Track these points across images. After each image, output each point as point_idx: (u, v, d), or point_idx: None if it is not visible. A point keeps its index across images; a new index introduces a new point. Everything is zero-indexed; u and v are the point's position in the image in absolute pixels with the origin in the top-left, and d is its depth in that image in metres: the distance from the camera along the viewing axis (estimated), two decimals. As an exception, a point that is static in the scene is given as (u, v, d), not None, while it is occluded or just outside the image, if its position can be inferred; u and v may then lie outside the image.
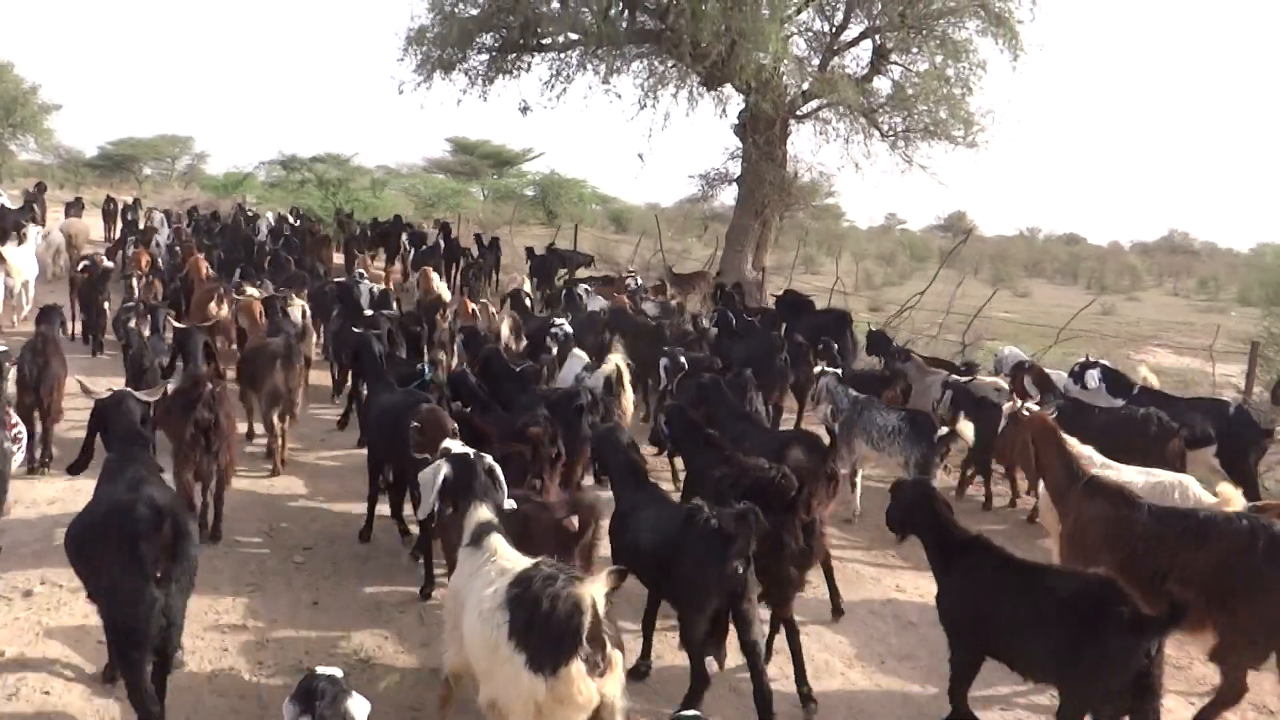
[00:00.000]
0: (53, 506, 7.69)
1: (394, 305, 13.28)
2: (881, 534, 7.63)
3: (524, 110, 19.89)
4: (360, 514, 7.67)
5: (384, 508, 7.61)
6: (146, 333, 10.30)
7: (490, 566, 4.19)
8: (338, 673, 3.21)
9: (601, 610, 3.64)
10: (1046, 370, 10.70)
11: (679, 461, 8.70)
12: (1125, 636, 4.31)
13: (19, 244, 15.61)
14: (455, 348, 11.35)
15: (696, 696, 4.95)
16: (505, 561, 4.21)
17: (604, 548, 7.10)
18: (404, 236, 21.90)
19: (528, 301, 14.99)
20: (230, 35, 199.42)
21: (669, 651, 5.77)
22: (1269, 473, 9.86)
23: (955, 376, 10.42)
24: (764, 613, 5.46)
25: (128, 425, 5.40)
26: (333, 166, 33.03)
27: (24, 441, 6.91)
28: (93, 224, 25.22)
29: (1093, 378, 10.27)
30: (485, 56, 19.84)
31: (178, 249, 18.26)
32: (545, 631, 3.63)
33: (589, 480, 7.81)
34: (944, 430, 8.18)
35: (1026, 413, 6.69)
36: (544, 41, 19.26)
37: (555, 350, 10.81)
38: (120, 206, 26.49)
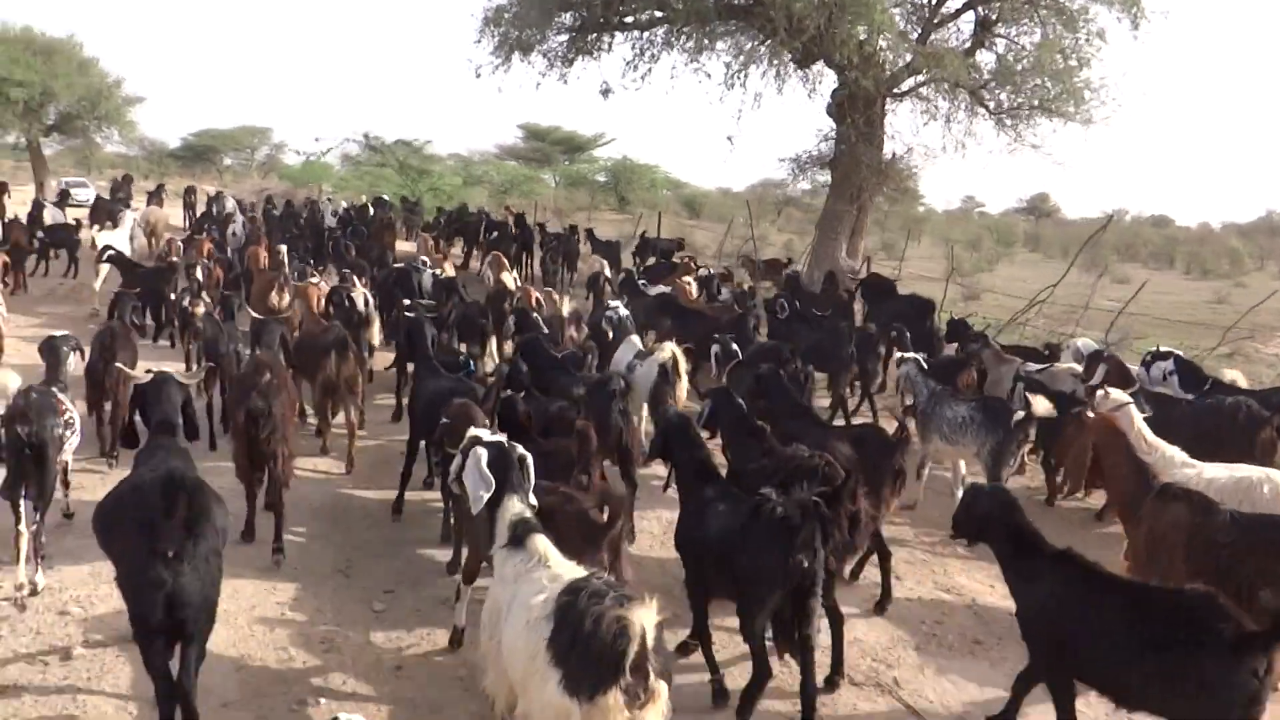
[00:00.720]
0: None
1: (461, 293, 13.32)
2: (932, 524, 7.39)
3: (605, 93, 19.21)
4: (414, 503, 7.73)
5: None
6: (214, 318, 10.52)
7: (541, 572, 3.98)
8: (358, 718, 3.20)
9: (650, 638, 3.41)
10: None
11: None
12: (1228, 657, 3.99)
13: (114, 228, 16.99)
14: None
15: (757, 688, 4.86)
16: (558, 567, 4.00)
17: (647, 544, 7.44)
18: (483, 225, 21.81)
19: (608, 288, 14.98)
20: (305, 26, 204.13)
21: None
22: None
23: (1031, 365, 10.04)
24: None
25: (165, 409, 5.46)
26: (411, 153, 33.44)
27: (76, 426, 7.02)
28: (174, 213, 26.21)
29: (1162, 370, 9.83)
30: (565, 37, 19.27)
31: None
32: (586, 653, 3.44)
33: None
34: (1020, 414, 7.82)
35: (1090, 414, 6.36)
36: (626, 20, 18.54)
37: (610, 335, 10.75)
38: (206, 198, 27.37)
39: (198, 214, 25.15)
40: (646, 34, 18.68)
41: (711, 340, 10.49)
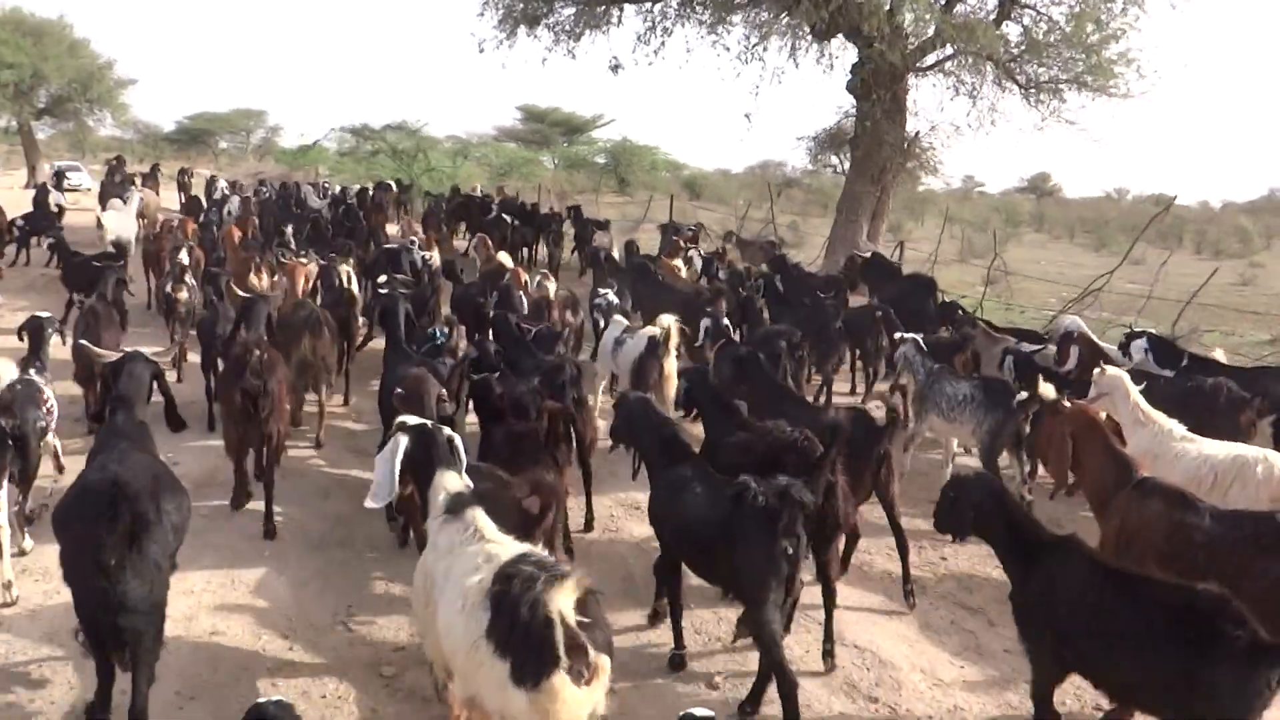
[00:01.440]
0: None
1: (458, 275, 13.25)
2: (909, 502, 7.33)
3: (615, 68, 18.71)
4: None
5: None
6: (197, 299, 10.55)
7: (476, 547, 3.96)
8: (285, 699, 3.16)
9: (572, 618, 3.43)
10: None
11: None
12: (1241, 665, 3.80)
13: (123, 206, 17.30)
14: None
15: (792, 706, 4.59)
16: (493, 545, 3.96)
17: (625, 528, 7.45)
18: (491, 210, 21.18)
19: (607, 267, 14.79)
20: (301, 7, 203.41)
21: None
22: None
23: (1025, 345, 9.96)
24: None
25: (129, 385, 5.44)
26: (404, 136, 33.23)
27: (55, 412, 7.06)
28: (169, 196, 26.13)
29: (1138, 348, 9.74)
30: (572, 10, 18.75)
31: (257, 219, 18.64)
32: (526, 642, 3.45)
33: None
34: (1023, 395, 7.67)
35: (1068, 403, 6.18)
36: (639, -9, 17.89)
37: (601, 323, 10.72)
38: (202, 180, 27.34)
39: (191, 196, 25.10)
40: (659, 5, 18.09)
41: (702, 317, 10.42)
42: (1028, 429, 7.62)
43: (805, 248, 25.77)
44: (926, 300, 12.98)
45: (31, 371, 7.06)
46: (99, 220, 16.42)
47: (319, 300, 11.04)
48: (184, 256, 11.47)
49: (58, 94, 33.98)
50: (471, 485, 4.43)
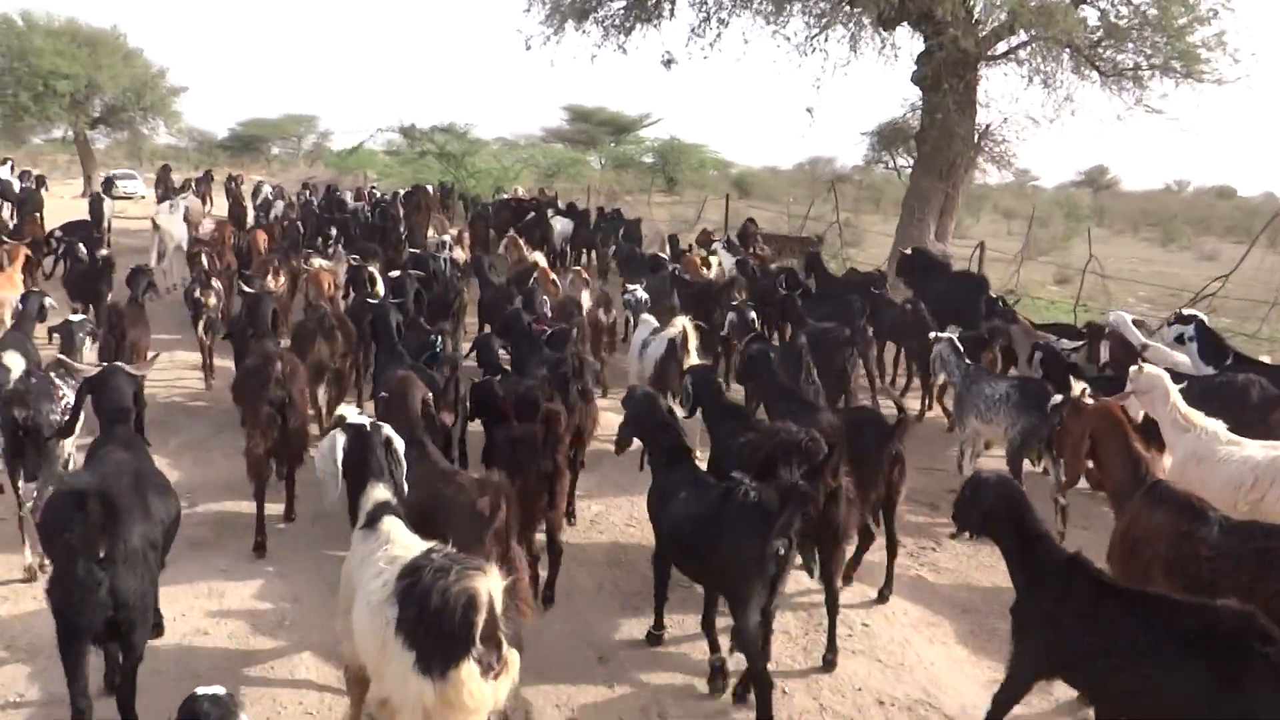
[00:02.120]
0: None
1: (485, 275, 13.19)
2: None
3: (668, 63, 18.22)
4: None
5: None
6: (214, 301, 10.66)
7: (380, 553, 3.92)
8: (220, 690, 3.09)
9: (499, 606, 3.38)
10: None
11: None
12: (1273, 688, 3.54)
13: (171, 211, 17.69)
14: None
15: (766, 704, 4.65)
16: (397, 548, 3.93)
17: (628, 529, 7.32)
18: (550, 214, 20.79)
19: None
20: (350, 13, 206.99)
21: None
22: None
23: (1065, 342, 9.57)
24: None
25: (113, 401, 5.41)
26: (451, 138, 33.18)
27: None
28: (222, 203, 26.61)
29: (1181, 333, 9.29)
30: (623, 2, 18.18)
31: (299, 223, 19.01)
32: (436, 630, 3.38)
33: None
34: (1058, 398, 7.32)
35: (1090, 400, 5.94)
36: (694, -20, 17.20)
37: (630, 317, 10.66)
38: (251, 186, 27.87)
39: (242, 202, 25.65)
40: (714, -3, 17.18)
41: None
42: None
43: (863, 246, 25.15)
44: (976, 298, 12.54)
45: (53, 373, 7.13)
46: (154, 222, 16.94)
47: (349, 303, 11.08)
48: (205, 260, 11.59)
49: (112, 103, 34.79)
50: (391, 497, 4.35)
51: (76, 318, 8.55)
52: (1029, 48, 15.98)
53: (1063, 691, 5.17)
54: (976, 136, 16.59)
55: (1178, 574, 4.60)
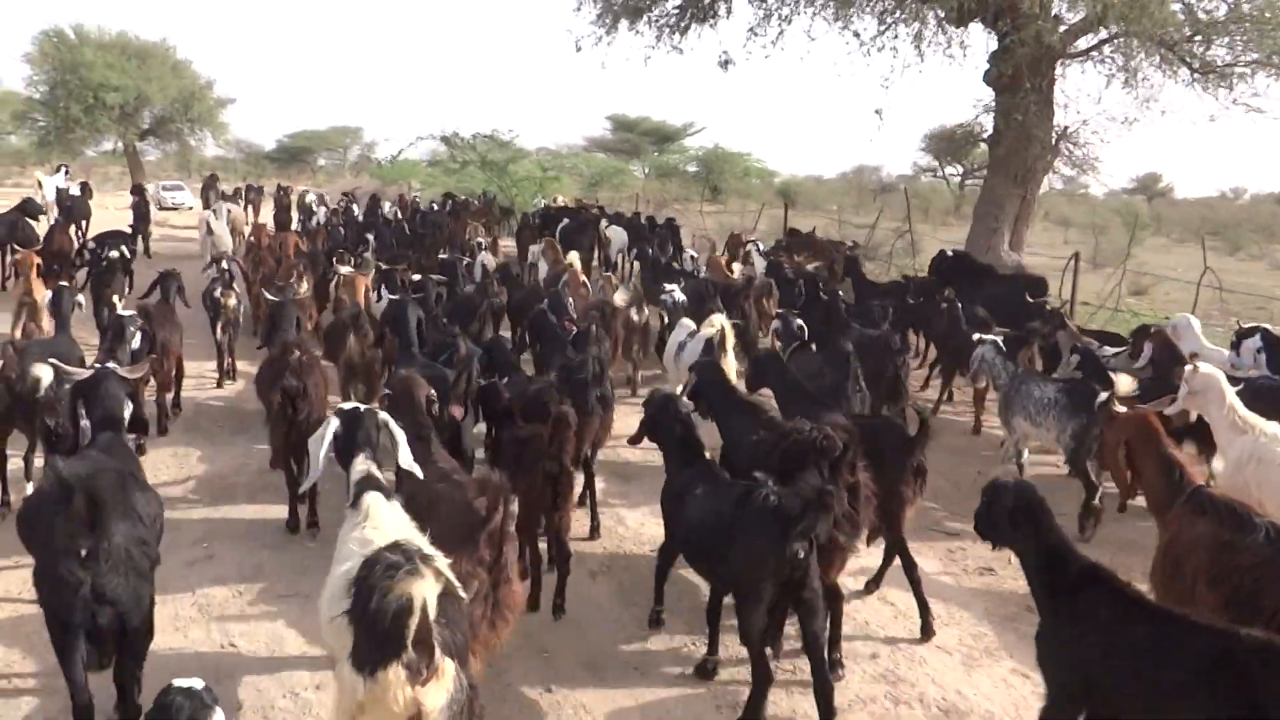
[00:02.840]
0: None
1: (514, 279, 13.18)
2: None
3: (725, 64, 17.63)
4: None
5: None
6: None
7: (356, 534, 3.95)
8: (197, 684, 3.03)
9: (432, 611, 3.33)
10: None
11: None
12: None
13: (216, 217, 18.44)
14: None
15: (760, 696, 4.69)
16: (371, 531, 3.95)
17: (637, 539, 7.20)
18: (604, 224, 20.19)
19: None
20: (390, 24, 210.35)
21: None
22: None
23: (1108, 348, 9.42)
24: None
25: (104, 405, 5.31)
26: (494, 147, 33.06)
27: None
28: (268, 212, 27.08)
29: (1249, 348, 8.98)
30: (678, 1, 17.67)
31: (341, 229, 19.31)
32: (372, 628, 3.36)
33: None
34: (1104, 396, 7.17)
35: (1122, 409, 5.70)
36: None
37: (666, 319, 10.54)
38: (297, 198, 28.38)
39: (288, 210, 26.13)
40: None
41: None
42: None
43: (924, 255, 24.50)
44: (1025, 302, 12.19)
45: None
46: (208, 225, 17.54)
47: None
48: (226, 264, 11.68)
49: (161, 115, 35.60)
50: (374, 470, 4.40)
51: (127, 312, 8.69)
52: (1113, 43, 15.22)
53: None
54: (1054, 138, 15.81)
55: (1220, 586, 4.26)
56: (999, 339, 8.95)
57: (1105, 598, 3.84)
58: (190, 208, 32.63)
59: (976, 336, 9.09)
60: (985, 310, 11.11)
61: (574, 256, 14.26)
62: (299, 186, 35.89)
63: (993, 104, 16.33)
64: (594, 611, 6.01)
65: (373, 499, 4.17)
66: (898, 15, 15.47)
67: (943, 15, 15.43)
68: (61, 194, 20.69)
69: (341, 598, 3.58)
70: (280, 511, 7.23)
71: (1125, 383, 6.98)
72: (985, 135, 16.73)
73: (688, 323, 9.92)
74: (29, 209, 16.48)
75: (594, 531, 7.13)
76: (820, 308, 11.30)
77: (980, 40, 16.49)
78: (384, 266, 12.18)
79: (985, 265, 14.67)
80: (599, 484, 7.63)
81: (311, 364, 7.35)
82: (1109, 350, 9.56)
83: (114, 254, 12.82)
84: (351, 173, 52.94)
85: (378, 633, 3.32)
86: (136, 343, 8.24)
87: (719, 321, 8.86)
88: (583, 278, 12.62)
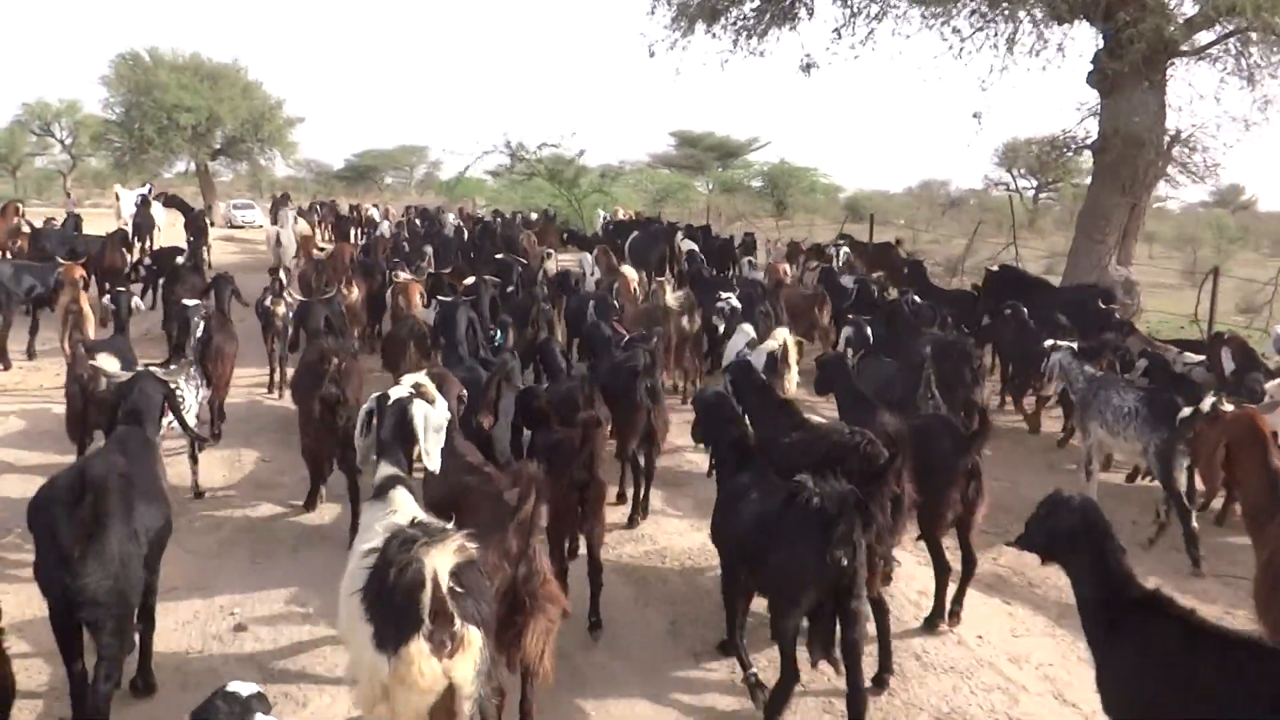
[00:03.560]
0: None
1: (570, 286, 13.19)
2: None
3: (807, 68, 16.95)
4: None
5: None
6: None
7: (383, 521, 3.86)
8: (246, 689, 2.97)
9: (444, 580, 3.25)
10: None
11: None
12: None
13: (282, 226, 19.66)
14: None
15: (784, 693, 4.56)
16: (400, 516, 3.86)
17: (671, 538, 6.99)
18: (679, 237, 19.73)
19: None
20: (454, 42, 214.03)
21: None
22: None
23: (1190, 355, 9.12)
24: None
25: (136, 402, 5.39)
26: (561, 163, 32.85)
27: (191, 407, 7.44)
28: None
29: None
30: (756, 2, 16.99)
31: (405, 243, 19.58)
32: (389, 604, 3.30)
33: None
34: (1188, 411, 6.82)
35: (1230, 407, 5.40)
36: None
37: (721, 328, 10.38)
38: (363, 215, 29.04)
39: (359, 224, 26.80)
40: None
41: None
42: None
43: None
44: (1087, 310, 11.64)
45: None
46: (277, 237, 18.66)
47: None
48: (283, 274, 11.79)
49: (232, 135, 36.48)
50: (399, 471, 4.31)
51: (192, 303, 8.89)
52: (1237, 39, 14.05)
53: None
54: (1166, 143, 14.64)
55: None
56: (1074, 345, 8.66)
57: (1169, 626, 3.47)
58: (260, 226, 33.31)
59: (1050, 342, 8.80)
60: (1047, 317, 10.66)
61: (627, 269, 14.16)
62: (368, 204, 36.49)
63: (1098, 108, 15.17)
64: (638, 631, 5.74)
65: (401, 493, 4.12)
66: (1001, 8, 14.47)
67: (1041, 15, 14.48)
68: (140, 210, 21.36)
69: (359, 577, 3.51)
70: (326, 518, 7.15)
71: (1210, 401, 6.58)
72: (1089, 142, 15.46)
73: (747, 329, 9.72)
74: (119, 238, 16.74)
75: (631, 520, 7.19)
76: (883, 314, 11.01)
77: (1082, 40, 15.23)
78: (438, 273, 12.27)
79: (1038, 279, 14.10)
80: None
81: (350, 370, 7.31)
82: (1192, 358, 9.24)
83: (179, 259, 13.02)
84: (417, 190, 53.84)
85: (393, 609, 3.27)
86: (200, 332, 8.38)
87: (782, 335, 8.70)
88: (634, 286, 12.48)
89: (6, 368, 11.54)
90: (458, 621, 3.30)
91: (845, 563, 4.23)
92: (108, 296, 10.00)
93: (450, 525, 3.68)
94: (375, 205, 30.41)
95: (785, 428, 5.80)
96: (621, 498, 7.53)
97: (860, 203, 42.89)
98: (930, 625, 5.68)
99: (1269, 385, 7.57)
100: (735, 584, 5.07)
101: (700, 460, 8.34)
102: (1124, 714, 3.57)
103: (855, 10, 15.95)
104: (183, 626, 5.59)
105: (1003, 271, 14.05)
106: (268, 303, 10.80)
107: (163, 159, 36.11)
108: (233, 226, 33.28)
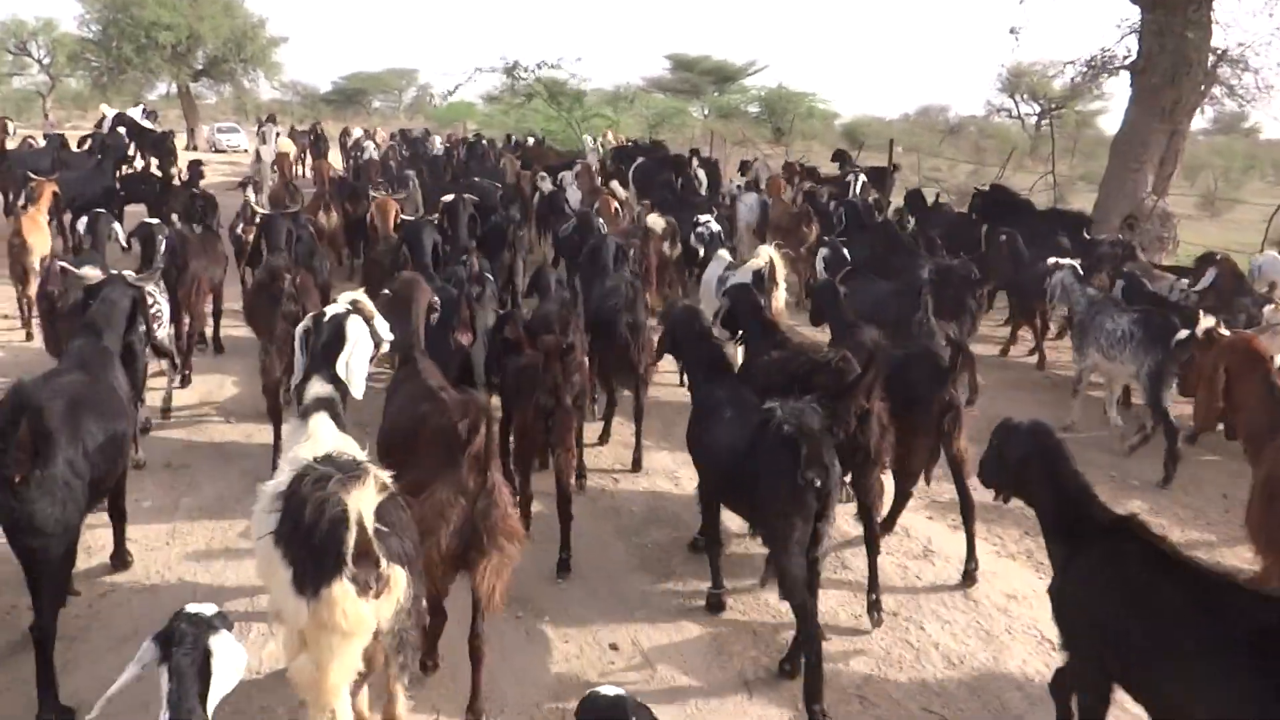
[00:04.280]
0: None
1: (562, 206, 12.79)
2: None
3: None
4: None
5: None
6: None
7: (292, 452, 3.71)
8: (208, 609, 2.83)
9: (369, 520, 3.06)
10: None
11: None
12: None
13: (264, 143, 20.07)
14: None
15: (816, 655, 4.14)
16: (306, 449, 3.65)
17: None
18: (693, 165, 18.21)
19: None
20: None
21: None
22: None
23: (1185, 281, 9.15)
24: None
25: (93, 315, 5.17)
26: (556, 87, 31.52)
27: (164, 319, 7.26)
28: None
29: None
30: None
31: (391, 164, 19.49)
32: (308, 545, 3.13)
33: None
34: (1183, 333, 6.79)
35: (1225, 331, 5.40)
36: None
37: (701, 252, 10.08)
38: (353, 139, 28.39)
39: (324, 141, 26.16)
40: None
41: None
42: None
43: (1078, 201, 23.11)
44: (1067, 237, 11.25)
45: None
46: (258, 153, 19.06)
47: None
48: (250, 195, 11.37)
49: (214, 54, 35.51)
50: (330, 392, 4.04)
51: (153, 221, 8.65)
52: None
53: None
54: (1211, 63, 13.91)
55: None
56: (1076, 264, 8.56)
57: (1134, 551, 3.31)
58: (245, 150, 32.60)
59: (1053, 261, 8.67)
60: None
61: (616, 186, 13.79)
62: (355, 128, 35.70)
63: (1138, 24, 14.38)
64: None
65: (321, 420, 3.88)
66: None
67: None
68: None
69: (270, 516, 3.32)
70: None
71: (1208, 322, 6.35)
72: (1128, 62, 14.60)
73: (724, 254, 9.38)
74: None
75: (636, 464, 7.03)
76: (877, 235, 10.67)
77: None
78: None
79: (1022, 200, 13.59)
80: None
81: (306, 285, 7.06)
82: (1184, 283, 9.23)
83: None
84: (406, 115, 52.75)
85: (314, 550, 3.10)
86: (162, 248, 8.10)
87: (766, 253, 8.27)
88: (615, 205, 12.08)
89: None
90: (383, 562, 3.13)
91: (819, 483, 4.07)
92: (83, 220, 9.57)
93: (361, 456, 3.57)
94: (364, 130, 29.64)
95: (768, 348, 5.67)
96: (604, 438, 7.45)
97: (859, 129, 42.10)
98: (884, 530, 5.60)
99: (1266, 310, 7.66)
100: (711, 490, 4.99)
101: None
102: (1076, 639, 3.47)
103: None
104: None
105: (993, 192, 13.57)
106: (239, 230, 10.40)
107: (143, 80, 35.16)
108: (216, 151, 32.57)
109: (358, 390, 4.19)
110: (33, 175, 11.78)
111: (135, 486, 5.81)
